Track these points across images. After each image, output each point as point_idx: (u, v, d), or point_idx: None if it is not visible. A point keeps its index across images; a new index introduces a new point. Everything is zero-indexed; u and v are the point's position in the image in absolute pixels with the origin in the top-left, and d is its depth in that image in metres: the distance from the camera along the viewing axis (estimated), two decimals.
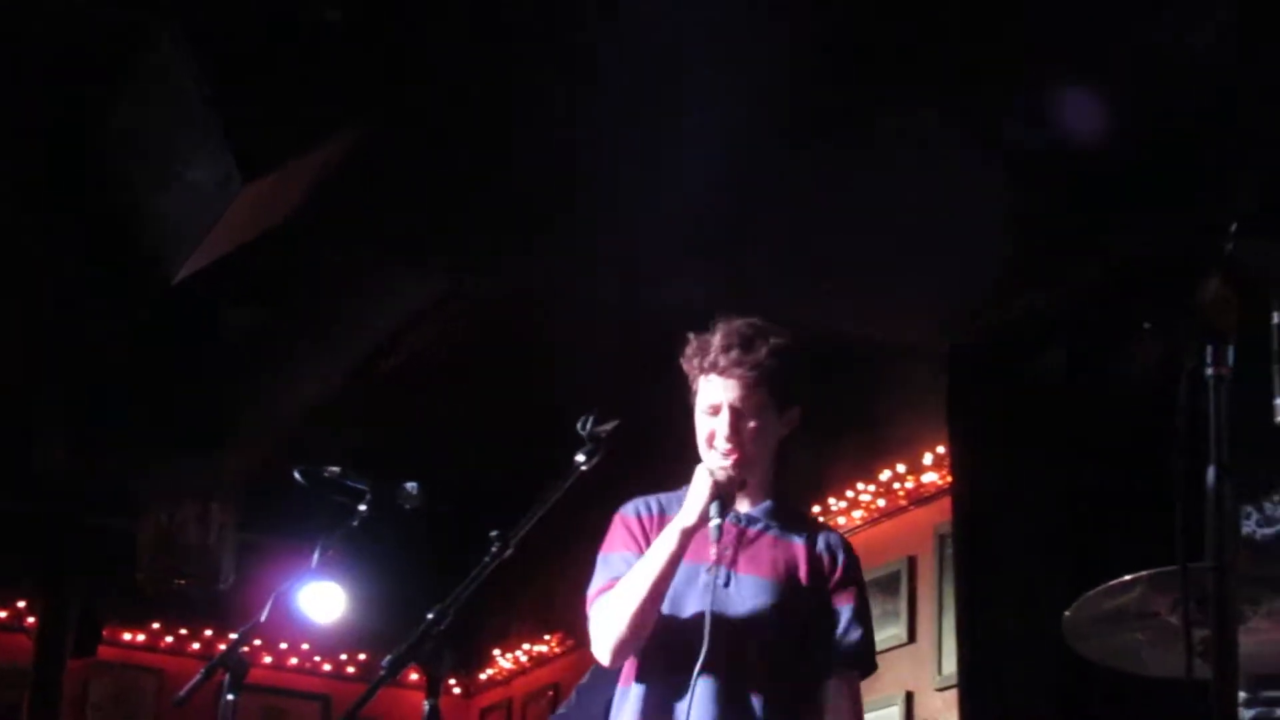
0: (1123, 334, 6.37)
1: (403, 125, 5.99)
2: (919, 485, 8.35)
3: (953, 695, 7.34)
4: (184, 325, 7.65)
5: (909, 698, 8.08)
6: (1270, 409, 3.07)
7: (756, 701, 3.93)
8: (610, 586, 4.03)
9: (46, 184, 6.59)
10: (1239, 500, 5.87)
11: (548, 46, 5.71)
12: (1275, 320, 3.11)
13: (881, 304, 7.30)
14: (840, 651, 4.07)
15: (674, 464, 4.17)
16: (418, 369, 8.48)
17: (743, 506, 4.12)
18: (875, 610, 5.02)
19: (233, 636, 5.00)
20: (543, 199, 6.57)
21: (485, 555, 3.80)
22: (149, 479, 9.52)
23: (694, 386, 4.12)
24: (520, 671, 11.94)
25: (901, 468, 8.41)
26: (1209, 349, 2.72)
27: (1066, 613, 3.93)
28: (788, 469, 4.26)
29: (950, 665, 7.60)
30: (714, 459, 4.04)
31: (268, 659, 11.96)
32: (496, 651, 12.08)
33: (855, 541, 4.69)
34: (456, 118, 6.08)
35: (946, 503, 7.74)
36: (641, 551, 4.04)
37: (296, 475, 5.02)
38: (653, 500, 4.21)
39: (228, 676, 4.82)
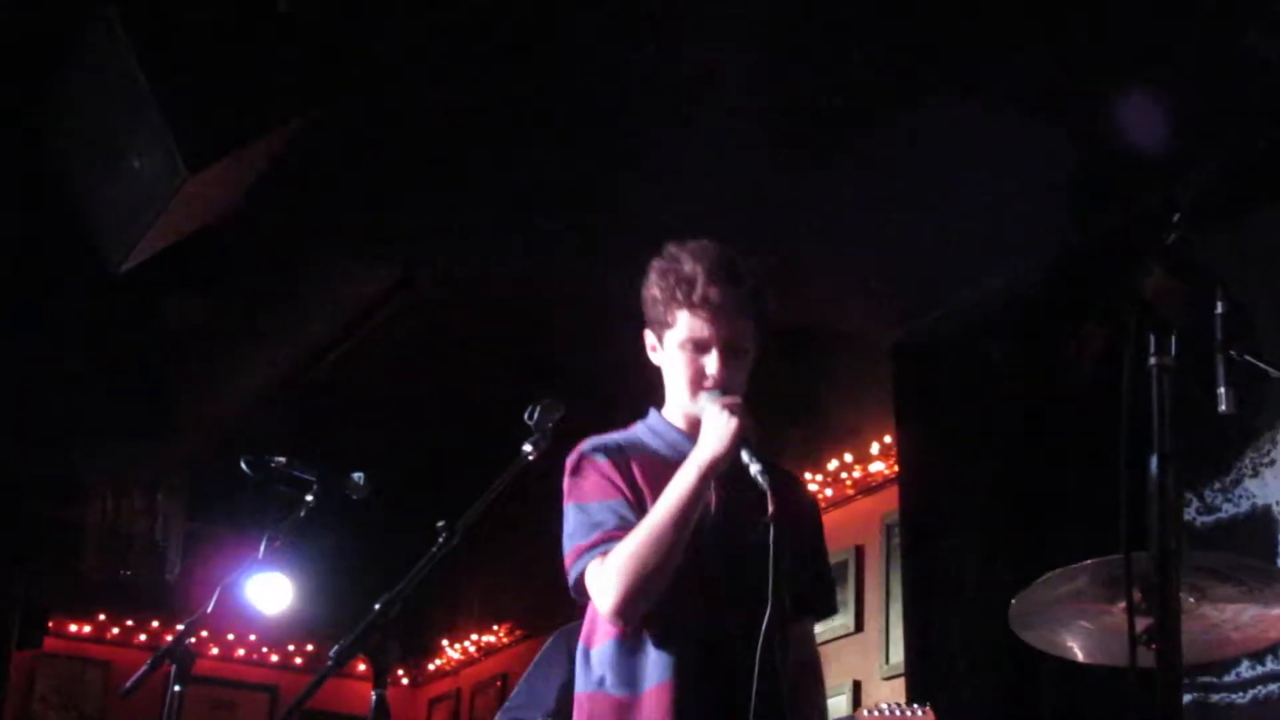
0: (1068, 325, 6.40)
1: (348, 116, 5.98)
2: (866, 475, 8.38)
3: (900, 684, 7.36)
4: (129, 315, 7.62)
5: (856, 686, 8.10)
6: (1214, 398, 3.09)
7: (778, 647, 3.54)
8: (605, 539, 3.66)
9: None
10: (1181, 489, 5.91)
11: (499, 36, 5.70)
12: (1219, 310, 3.14)
13: (829, 294, 7.32)
14: (817, 593, 3.90)
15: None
16: (364, 359, 8.46)
17: None
18: None
19: (179, 627, 4.99)
20: (492, 191, 6.57)
21: (432, 545, 3.79)
22: (94, 468, 9.48)
23: (667, 319, 3.82)
24: (469, 662, 11.94)
25: (849, 457, 8.44)
26: (1152, 339, 2.74)
27: (1013, 601, 3.95)
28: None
29: (897, 654, 7.64)
30: (711, 398, 3.70)
31: (215, 650, 11.95)
32: (445, 642, 12.08)
33: None
34: (403, 109, 6.07)
35: (893, 492, 7.77)
36: (624, 497, 3.72)
37: (243, 465, 5.01)
38: (611, 441, 3.86)
39: (174, 668, 4.81)
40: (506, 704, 5.65)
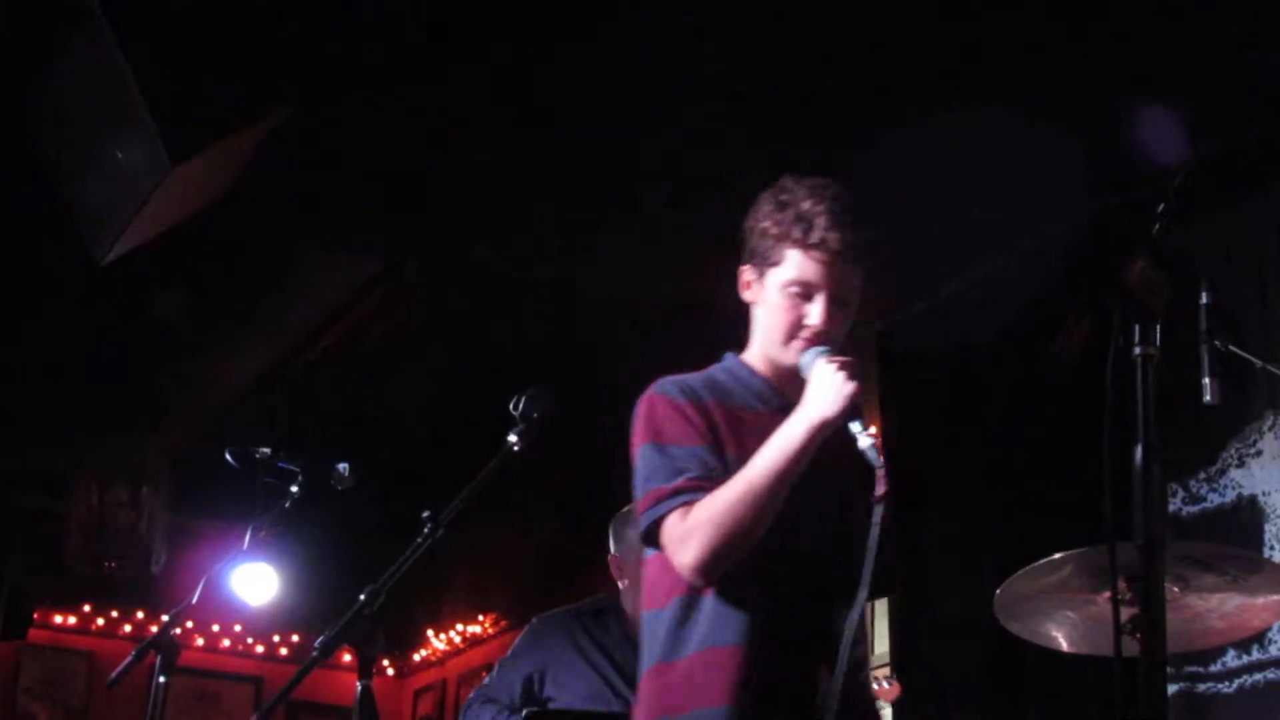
0: (1052, 316, 6.41)
1: (332, 108, 5.97)
2: None
3: (884, 675, 7.37)
4: (114, 307, 7.61)
5: None
6: (1198, 388, 3.10)
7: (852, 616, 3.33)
8: (690, 487, 3.36)
9: None
10: (1166, 479, 5.92)
11: (483, 28, 5.70)
12: (1203, 300, 3.15)
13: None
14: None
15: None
16: (349, 350, 8.46)
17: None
18: None
19: (164, 619, 4.98)
20: (480, 180, 6.57)
21: (417, 536, 3.79)
22: (79, 460, 9.47)
23: (775, 255, 3.50)
24: (454, 652, 11.95)
25: None
26: (1136, 329, 2.74)
27: (997, 591, 3.96)
28: None
29: (882, 645, 7.64)
30: (823, 354, 3.43)
31: (200, 641, 11.95)
32: (430, 632, 12.08)
33: None
34: (387, 99, 6.06)
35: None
36: (708, 443, 3.42)
37: (228, 457, 5.01)
38: (693, 384, 3.54)
39: (159, 659, 4.80)
40: (480, 685, 5.68)
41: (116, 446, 9.19)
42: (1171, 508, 6.07)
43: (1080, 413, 3.48)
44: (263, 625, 11.95)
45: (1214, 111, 5.87)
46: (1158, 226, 2.83)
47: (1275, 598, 4.01)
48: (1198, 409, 3.73)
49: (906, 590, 7.27)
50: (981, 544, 6.78)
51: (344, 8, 5.60)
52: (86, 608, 11.78)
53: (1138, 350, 2.72)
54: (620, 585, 5.62)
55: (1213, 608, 3.92)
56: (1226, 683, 5.82)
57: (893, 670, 7.10)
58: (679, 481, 3.37)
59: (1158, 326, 2.75)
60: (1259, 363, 4.27)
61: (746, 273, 3.60)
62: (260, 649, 12.31)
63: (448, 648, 11.98)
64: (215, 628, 12.08)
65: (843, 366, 3.37)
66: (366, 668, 3.86)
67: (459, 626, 11.77)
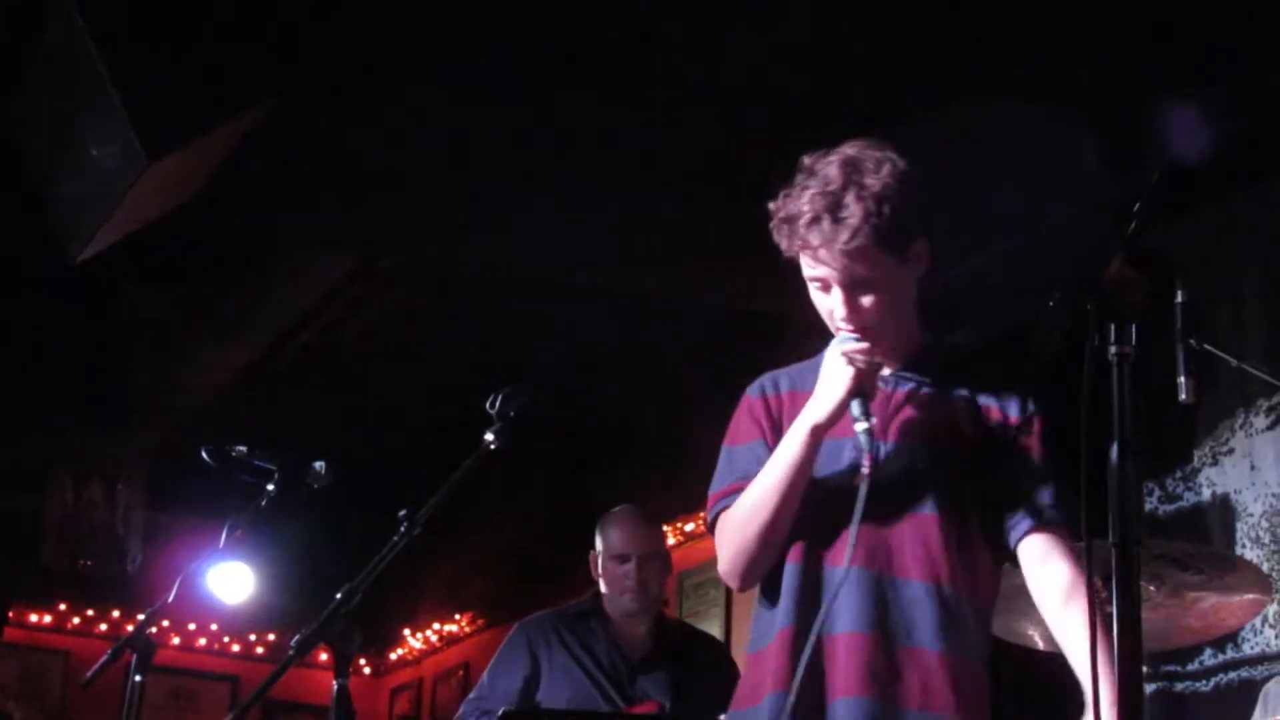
0: (1028, 313, 6.41)
1: (309, 103, 5.96)
2: None
3: None
4: (89, 304, 7.59)
5: None
6: (1174, 387, 3.10)
7: (916, 592, 3.27)
8: (736, 489, 3.41)
9: None
10: (1142, 477, 5.94)
11: (462, 21, 5.69)
12: (1179, 299, 3.15)
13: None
14: (1036, 507, 3.35)
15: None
16: (325, 348, 8.45)
17: (885, 369, 3.46)
18: None
19: (140, 617, 4.96)
20: (453, 178, 6.56)
21: (394, 534, 3.78)
22: (54, 458, 9.44)
23: (792, 255, 3.45)
24: (431, 651, 11.94)
25: None
26: (1111, 328, 2.74)
27: None
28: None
29: None
30: (840, 342, 3.39)
31: (176, 640, 11.92)
32: (406, 631, 12.07)
33: None
34: (363, 95, 6.05)
35: None
36: (769, 440, 3.43)
37: (204, 454, 4.99)
38: (782, 375, 3.56)
39: (135, 657, 4.78)
40: (470, 695, 5.66)
41: (92, 444, 9.17)
42: (1147, 506, 6.09)
43: (1055, 410, 3.47)
44: (239, 624, 11.92)
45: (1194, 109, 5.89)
46: (1133, 225, 2.83)
47: (1250, 596, 4.03)
48: (1173, 407, 3.74)
49: None
50: None
51: (321, 3, 5.60)
52: (62, 606, 11.74)
53: (1113, 349, 2.73)
54: (600, 585, 5.63)
55: (1189, 606, 3.94)
56: (1204, 681, 5.84)
57: None
58: (728, 483, 3.45)
59: (1133, 325, 2.76)
60: (1234, 361, 4.29)
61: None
62: (237, 648, 12.28)
63: (424, 646, 11.96)
64: (191, 626, 12.05)
65: (847, 354, 3.35)
66: (343, 666, 3.84)
67: (436, 625, 11.76)
